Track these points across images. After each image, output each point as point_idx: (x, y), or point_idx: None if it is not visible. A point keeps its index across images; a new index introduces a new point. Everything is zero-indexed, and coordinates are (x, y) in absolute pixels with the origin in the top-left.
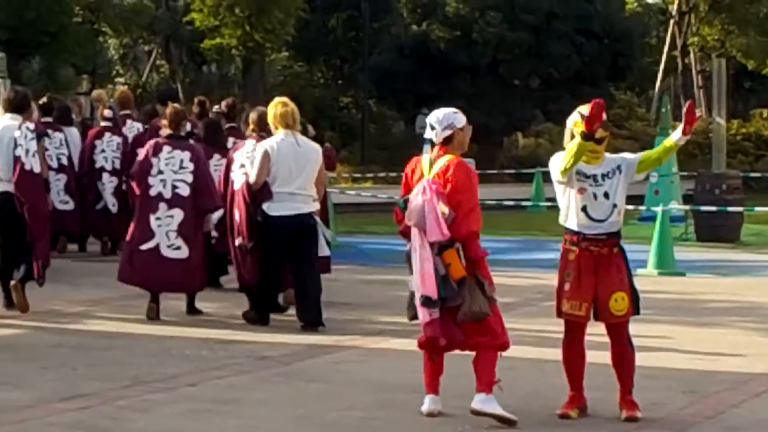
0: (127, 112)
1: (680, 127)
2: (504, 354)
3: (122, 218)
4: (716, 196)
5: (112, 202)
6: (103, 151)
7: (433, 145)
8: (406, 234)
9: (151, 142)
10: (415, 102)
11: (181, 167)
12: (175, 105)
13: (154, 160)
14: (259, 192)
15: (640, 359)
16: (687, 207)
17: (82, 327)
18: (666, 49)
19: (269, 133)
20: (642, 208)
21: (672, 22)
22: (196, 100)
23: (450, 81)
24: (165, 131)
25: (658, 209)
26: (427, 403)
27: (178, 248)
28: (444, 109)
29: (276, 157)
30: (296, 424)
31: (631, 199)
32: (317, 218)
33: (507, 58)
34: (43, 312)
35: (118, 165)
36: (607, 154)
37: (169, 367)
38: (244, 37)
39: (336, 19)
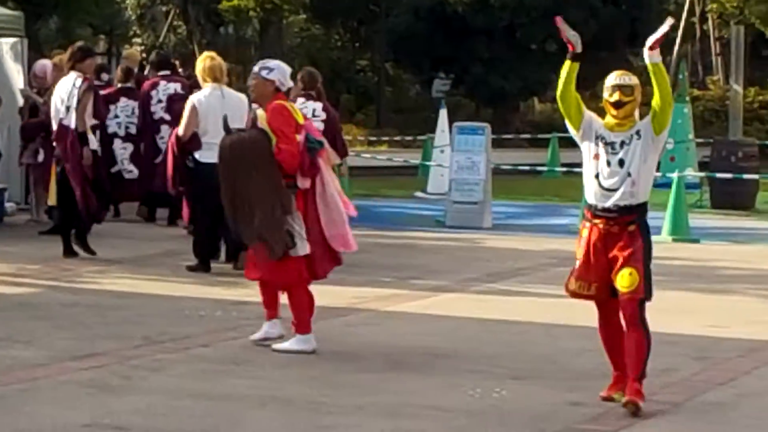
0: None
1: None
2: (516, 318)
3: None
4: (732, 163)
5: (128, 169)
6: (116, 116)
7: (286, 93)
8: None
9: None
10: (431, 65)
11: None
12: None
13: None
14: (188, 143)
15: (655, 325)
16: (702, 174)
17: (97, 287)
18: (684, 15)
19: (318, 92)
20: (657, 174)
21: None
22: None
23: (466, 44)
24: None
25: (674, 176)
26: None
27: None
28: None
29: (203, 110)
30: (308, 386)
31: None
32: None
33: (524, 22)
34: (58, 271)
35: (133, 131)
36: (639, 121)
37: (182, 327)
38: None
39: None
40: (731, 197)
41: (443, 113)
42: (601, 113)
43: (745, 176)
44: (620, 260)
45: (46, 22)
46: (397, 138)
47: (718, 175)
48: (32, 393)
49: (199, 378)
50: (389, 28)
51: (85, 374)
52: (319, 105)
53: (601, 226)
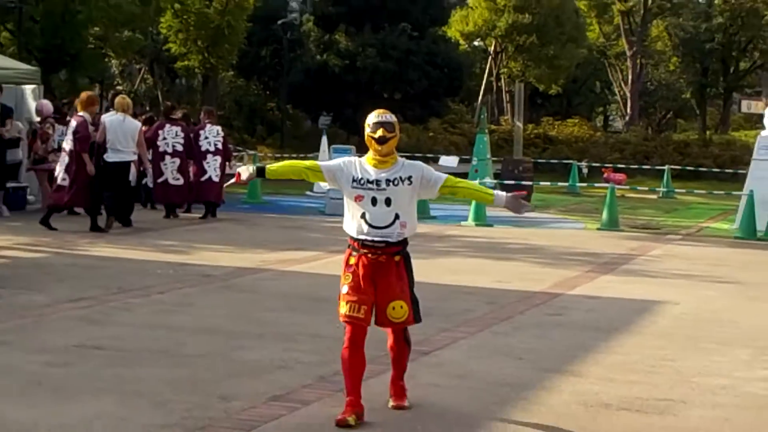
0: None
1: (504, 194)
2: None
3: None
4: (515, 174)
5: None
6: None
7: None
8: None
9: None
10: (318, 107)
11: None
12: (90, 93)
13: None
14: (101, 146)
15: (458, 280)
16: (496, 181)
17: (88, 253)
18: (486, 76)
19: (215, 119)
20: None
21: (490, 58)
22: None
23: (341, 94)
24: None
25: (476, 182)
26: None
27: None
28: None
29: (109, 127)
30: (230, 319)
31: (456, 176)
32: (133, 165)
33: (380, 80)
34: (62, 242)
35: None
36: (405, 162)
37: (145, 280)
38: (204, 60)
39: (266, 50)
40: None
41: (324, 139)
42: (428, 144)
43: (524, 183)
44: (391, 293)
45: (56, 74)
46: (294, 155)
47: (506, 181)
48: (42, 324)
49: (156, 315)
50: (289, 82)
51: (77, 312)
52: (218, 127)
53: (370, 255)
